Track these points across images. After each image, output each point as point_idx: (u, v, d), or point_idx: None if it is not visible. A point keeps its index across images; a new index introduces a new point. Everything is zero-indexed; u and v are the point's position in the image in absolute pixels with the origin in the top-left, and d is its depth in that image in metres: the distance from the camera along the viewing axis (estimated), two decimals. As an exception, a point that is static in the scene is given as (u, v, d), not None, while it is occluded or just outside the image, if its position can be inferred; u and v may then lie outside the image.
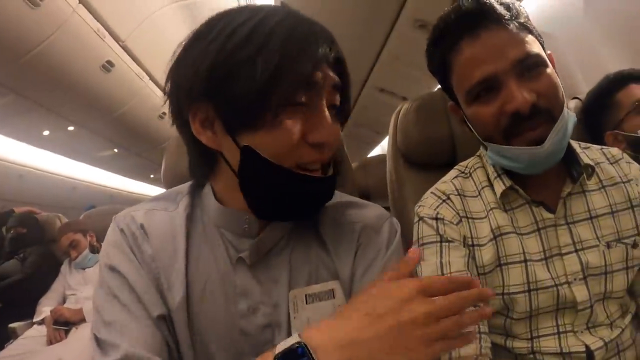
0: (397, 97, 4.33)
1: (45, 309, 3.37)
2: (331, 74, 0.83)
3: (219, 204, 0.93)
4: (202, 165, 0.95)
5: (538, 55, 0.99)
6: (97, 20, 4.16)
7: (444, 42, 1.07)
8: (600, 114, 1.73)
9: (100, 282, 0.87)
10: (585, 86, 2.55)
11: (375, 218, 1.00)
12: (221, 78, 0.78)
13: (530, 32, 1.02)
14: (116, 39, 4.56)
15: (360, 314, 0.67)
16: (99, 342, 0.80)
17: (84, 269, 3.57)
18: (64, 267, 3.67)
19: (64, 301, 3.53)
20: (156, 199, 1.00)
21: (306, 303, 0.89)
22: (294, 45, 0.77)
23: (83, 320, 3.25)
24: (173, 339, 0.85)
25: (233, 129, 0.81)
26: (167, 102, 0.89)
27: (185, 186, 1.01)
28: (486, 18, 1.00)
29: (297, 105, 0.79)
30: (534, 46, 1.00)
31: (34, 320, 3.37)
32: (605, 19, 2.56)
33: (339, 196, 1.03)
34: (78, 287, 3.50)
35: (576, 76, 2.84)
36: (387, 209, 1.49)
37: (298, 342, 0.65)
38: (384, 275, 0.73)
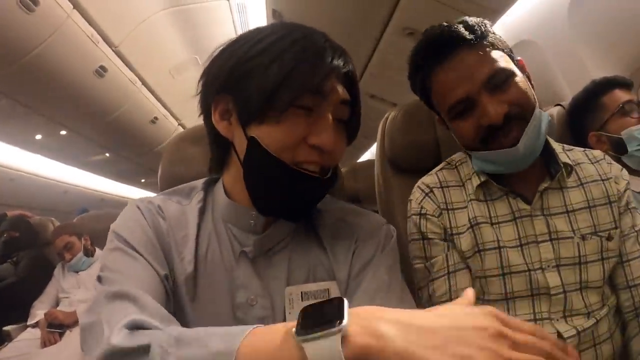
0: (387, 103, 4.38)
1: (39, 312, 3.39)
2: (341, 89, 0.92)
3: (228, 199, 1.00)
4: (218, 156, 1.03)
5: (505, 69, 1.10)
6: (91, 26, 4.17)
7: (421, 71, 1.20)
8: (585, 115, 1.81)
9: (108, 245, 0.91)
10: (569, 92, 2.62)
11: (372, 224, 1.05)
12: (241, 76, 0.90)
13: (498, 48, 1.13)
14: (109, 44, 4.57)
15: (424, 311, 0.62)
16: (101, 293, 0.79)
17: (77, 272, 3.58)
18: (57, 270, 3.68)
19: (57, 304, 3.54)
20: (170, 192, 1.07)
21: (302, 300, 0.94)
22: (307, 58, 0.87)
23: (77, 322, 3.24)
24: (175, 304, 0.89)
25: (244, 121, 0.90)
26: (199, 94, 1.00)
27: (199, 182, 1.08)
28: (454, 44, 1.12)
29: (302, 109, 0.87)
30: (501, 61, 1.11)
31: (28, 323, 3.39)
32: (588, 26, 2.63)
33: (339, 203, 1.11)
34: (72, 290, 3.52)
35: (560, 83, 2.90)
36: (376, 212, 1.54)
37: (337, 297, 0.63)
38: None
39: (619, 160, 1.70)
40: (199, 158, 1.27)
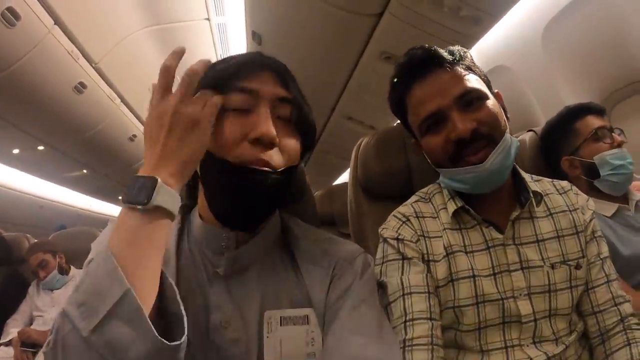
0: (364, 125, 4.41)
1: (12, 330, 3.34)
2: (273, 87, 0.98)
3: (202, 221, 1.03)
4: (189, 185, 1.09)
5: (478, 90, 1.16)
6: (72, 42, 4.17)
7: (400, 87, 1.24)
8: (558, 140, 1.86)
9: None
10: (542, 118, 2.67)
11: (349, 252, 1.08)
12: None
13: (474, 72, 1.19)
14: (89, 60, 4.57)
15: (150, 139, 0.86)
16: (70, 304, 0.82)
17: (52, 290, 3.53)
18: (32, 288, 3.62)
19: (31, 322, 3.49)
20: None
21: (281, 325, 0.95)
22: (234, 64, 0.98)
23: (50, 341, 3.20)
24: None
25: None
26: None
27: None
28: (433, 63, 1.18)
29: (237, 110, 0.95)
30: (475, 83, 1.17)
31: (1, 341, 3.33)
32: (562, 53, 2.70)
33: (316, 231, 1.14)
34: (46, 309, 3.46)
35: (533, 108, 2.95)
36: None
37: (130, 178, 0.83)
38: None
39: (590, 185, 1.76)
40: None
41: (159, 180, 0.80)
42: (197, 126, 0.86)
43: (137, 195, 0.79)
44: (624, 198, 1.78)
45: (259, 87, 0.96)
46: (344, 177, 7.62)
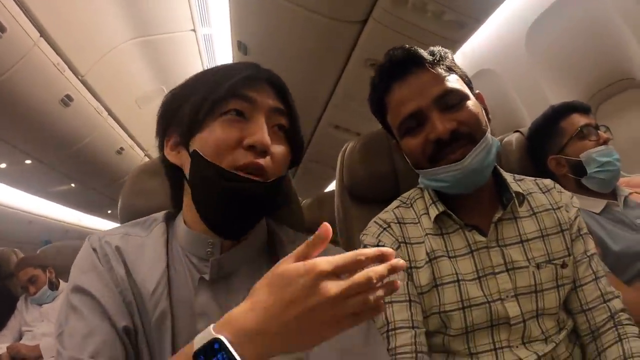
0: (351, 133, 4.41)
1: (1, 345, 3.30)
2: (269, 98, 1.00)
3: (187, 228, 1.02)
4: (175, 191, 1.08)
5: (458, 91, 1.16)
6: (58, 54, 4.12)
7: (380, 88, 1.24)
8: (544, 140, 1.87)
9: (65, 301, 0.92)
10: (528, 119, 2.69)
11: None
12: (178, 105, 1.01)
13: (455, 72, 1.20)
14: (76, 73, 4.52)
15: (273, 301, 0.68)
16: (59, 354, 0.84)
17: (41, 305, 3.51)
18: (20, 303, 3.60)
19: (20, 337, 3.47)
20: (129, 225, 1.08)
21: None
22: (225, 73, 0.99)
23: (40, 357, 3.19)
24: (135, 351, 0.90)
25: (185, 138, 0.99)
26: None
27: (160, 214, 1.10)
28: (413, 63, 1.18)
29: (232, 114, 0.96)
30: (456, 84, 1.17)
31: (-10, 357, 3.28)
32: (546, 54, 2.73)
33: (303, 238, 1.12)
34: (35, 324, 3.45)
35: (519, 110, 2.97)
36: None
37: (215, 338, 0.67)
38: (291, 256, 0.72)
39: (578, 183, 1.77)
40: (159, 190, 1.26)
41: None
42: (344, 319, 0.68)
43: None
44: (612, 194, 1.79)
45: (257, 96, 0.97)
46: (333, 186, 7.62)
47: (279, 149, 0.99)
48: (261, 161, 0.94)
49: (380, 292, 0.68)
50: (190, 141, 0.97)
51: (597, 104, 2.71)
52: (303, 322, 0.66)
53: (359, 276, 0.67)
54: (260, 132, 0.94)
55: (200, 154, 0.93)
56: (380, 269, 0.68)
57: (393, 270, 0.69)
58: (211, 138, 0.94)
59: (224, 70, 1.01)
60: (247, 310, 0.70)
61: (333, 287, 0.66)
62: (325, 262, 0.68)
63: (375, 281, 0.67)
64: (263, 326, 0.67)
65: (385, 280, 0.69)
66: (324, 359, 0.90)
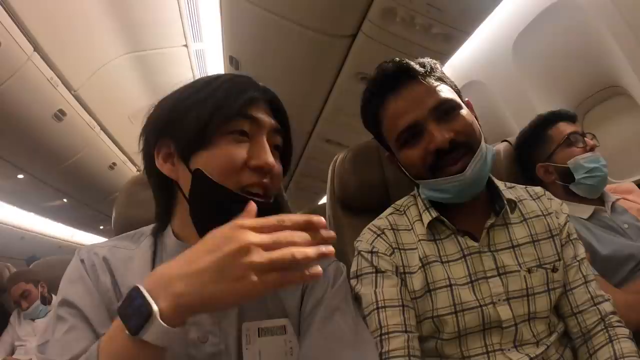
0: (342, 147, 4.33)
1: (-6, 360, 3.27)
2: (269, 119, 1.00)
3: (179, 240, 1.02)
4: (163, 204, 1.07)
5: (452, 100, 1.18)
6: (51, 69, 4.14)
7: (373, 102, 1.25)
8: (532, 148, 1.89)
9: (52, 314, 0.93)
10: (516, 128, 2.71)
11: (320, 261, 1.09)
12: (179, 115, 0.97)
13: (445, 83, 1.22)
14: (68, 88, 4.53)
15: (193, 251, 0.71)
16: (42, 348, 0.86)
17: (33, 319, 3.50)
18: (13, 318, 3.59)
19: (13, 352, 3.44)
20: (118, 238, 1.09)
21: (259, 336, 0.96)
22: (237, 90, 0.97)
23: (33, 371, 3.16)
24: None
25: (186, 154, 0.96)
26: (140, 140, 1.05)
27: (147, 228, 1.10)
28: (405, 76, 1.19)
29: (238, 134, 0.95)
30: (448, 94, 1.19)
31: (-17, 371, 3.26)
32: (533, 65, 2.77)
33: None
34: (28, 338, 3.43)
35: (507, 120, 3.01)
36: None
37: (134, 287, 0.69)
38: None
39: (566, 189, 1.79)
40: (153, 202, 1.29)
41: (155, 312, 0.67)
42: (266, 274, 0.67)
43: (129, 318, 0.69)
44: (600, 200, 1.81)
45: (261, 117, 0.98)
46: (324, 200, 7.59)
47: (277, 168, 1.00)
48: (266, 181, 0.95)
49: (309, 251, 0.68)
50: (192, 156, 0.95)
51: (583, 112, 2.75)
52: (221, 266, 0.67)
53: (282, 232, 0.69)
54: (265, 154, 0.95)
55: (206, 174, 0.92)
56: (305, 234, 0.70)
57: (323, 239, 0.72)
58: (218, 157, 0.93)
59: (228, 85, 0.99)
60: (171, 262, 0.72)
61: (251, 236, 0.67)
62: (249, 219, 0.71)
63: (298, 240, 0.69)
64: (180, 271, 0.69)
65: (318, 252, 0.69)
66: (313, 346, 0.93)
